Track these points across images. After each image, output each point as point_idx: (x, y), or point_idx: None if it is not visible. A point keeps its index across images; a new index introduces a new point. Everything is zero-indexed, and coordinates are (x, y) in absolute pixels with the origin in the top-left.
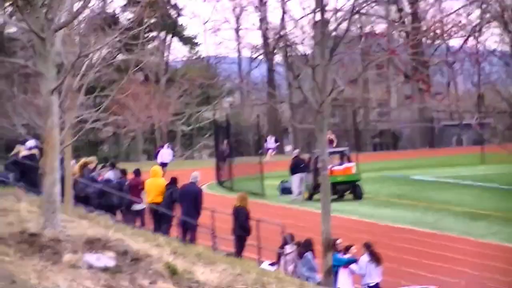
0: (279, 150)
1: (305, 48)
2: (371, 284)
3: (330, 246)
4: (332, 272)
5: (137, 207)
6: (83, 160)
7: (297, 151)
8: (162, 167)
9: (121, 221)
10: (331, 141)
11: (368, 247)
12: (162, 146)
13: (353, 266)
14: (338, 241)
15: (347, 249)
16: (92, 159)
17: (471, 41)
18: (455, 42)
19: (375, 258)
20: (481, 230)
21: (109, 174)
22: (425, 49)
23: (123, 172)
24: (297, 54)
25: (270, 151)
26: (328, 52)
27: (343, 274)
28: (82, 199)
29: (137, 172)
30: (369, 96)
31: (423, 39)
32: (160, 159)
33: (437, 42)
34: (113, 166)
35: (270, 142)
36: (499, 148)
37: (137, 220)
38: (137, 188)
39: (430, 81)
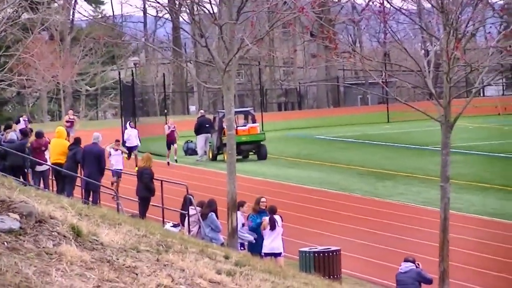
0: (184, 110)
1: (212, 6)
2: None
3: (236, 206)
4: (236, 233)
5: (40, 168)
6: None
7: (202, 111)
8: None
9: (25, 182)
10: (71, 122)
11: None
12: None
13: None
14: (263, 200)
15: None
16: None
17: None
18: (361, 0)
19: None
20: (387, 190)
21: (12, 135)
22: (331, 7)
23: (24, 134)
24: (204, 12)
25: None
26: (235, 10)
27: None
28: None
29: (39, 134)
30: (275, 55)
31: None
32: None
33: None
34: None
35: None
36: (404, 107)
37: (41, 181)
38: (40, 149)
39: (337, 40)
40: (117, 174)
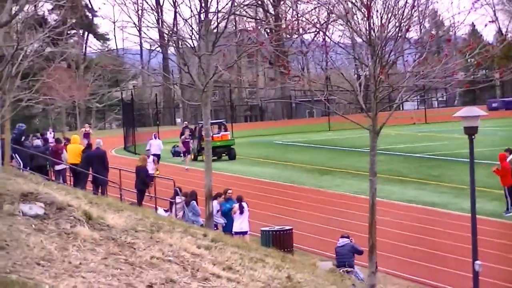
0: (172, 122)
1: (193, 41)
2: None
3: (211, 196)
4: (212, 217)
5: (58, 167)
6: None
7: (186, 122)
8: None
9: (48, 178)
10: (87, 134)
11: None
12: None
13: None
14: (229, 191)
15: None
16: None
17: (321, 35)
18: (308, 36)
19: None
20: (327, 182)
21: (37, 142)
22: (285, 41)
23: (45, 140)
24: (186, 46)
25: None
26: (211, 44)
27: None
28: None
29: (58, 140)
30: (242, 78)
31: (283, 34)
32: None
33: (294, 36)
34: (42, 135)
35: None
36: (341, 119)
37: (59, 178)
38: (57, 152)
39: (289, 67)
40: (149, 177)
